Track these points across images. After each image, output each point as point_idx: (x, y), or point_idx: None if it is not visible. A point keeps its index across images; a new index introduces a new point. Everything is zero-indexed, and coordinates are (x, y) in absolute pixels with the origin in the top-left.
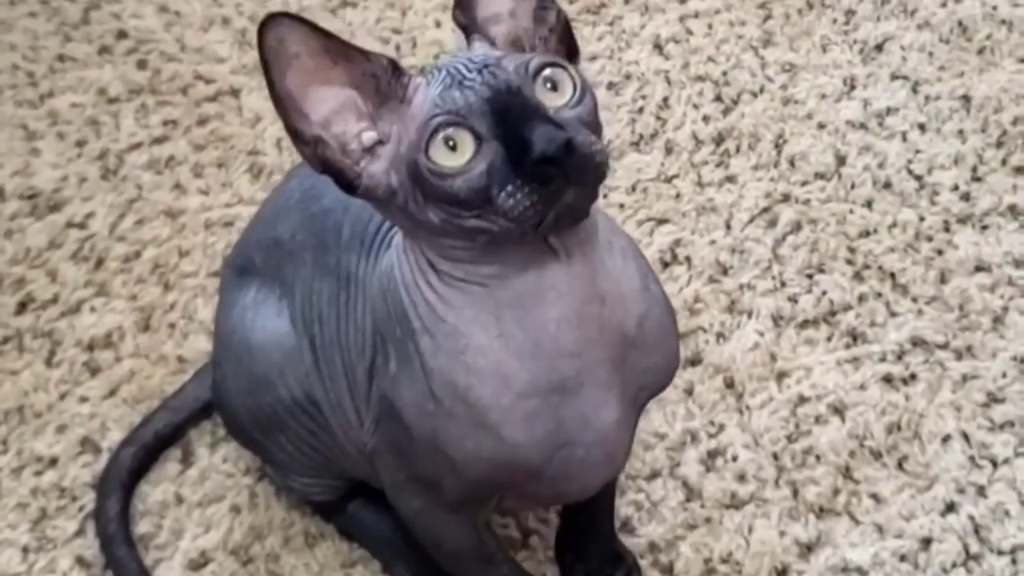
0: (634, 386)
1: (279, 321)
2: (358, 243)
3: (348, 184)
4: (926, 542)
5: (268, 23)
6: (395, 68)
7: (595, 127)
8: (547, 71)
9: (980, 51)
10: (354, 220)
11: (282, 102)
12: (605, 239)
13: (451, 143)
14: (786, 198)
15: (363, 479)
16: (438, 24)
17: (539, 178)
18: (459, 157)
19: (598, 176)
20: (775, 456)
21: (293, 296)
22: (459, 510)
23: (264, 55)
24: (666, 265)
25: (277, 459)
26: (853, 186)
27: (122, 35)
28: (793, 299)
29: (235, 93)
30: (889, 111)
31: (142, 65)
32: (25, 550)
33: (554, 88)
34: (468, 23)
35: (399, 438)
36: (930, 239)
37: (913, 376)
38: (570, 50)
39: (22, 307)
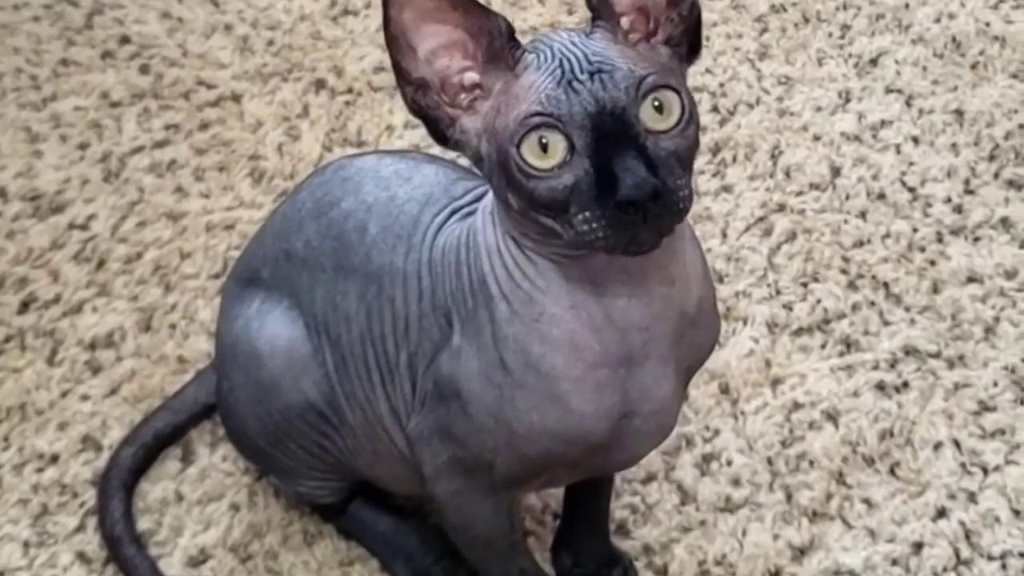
0: (686, 361)
1: (290, 328)
2: (392, 237)
3: (441, 134)
4: (917, 547)
5: None
6: (511, 34)
7: (689, 160)
8: (658, 92)
9: (973, 66)
10: (381, 216)
11: (394, 37)
12: (679, 227)
13: (544, 143)
14: (781, 208)
15: (370, 479)
16: None
17: (619, 213)
18: (549, 160)
19: (677, 219)
20: (769, 461)
21: (311, 303)
22: (500, 492)
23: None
24: None
25: (284, 466)
26: (847, 197)
27: (125, 40)
28: (788, 307)
29: (236, 98)
30: (883, 124)
31: (145, 70)
32: (26, 545)
33: (660, 111)
34: (599, 6)
35: (451, 417)
36: (923, 250)
37: (906, 384)
38: (693, 44)
39: (24, 306)
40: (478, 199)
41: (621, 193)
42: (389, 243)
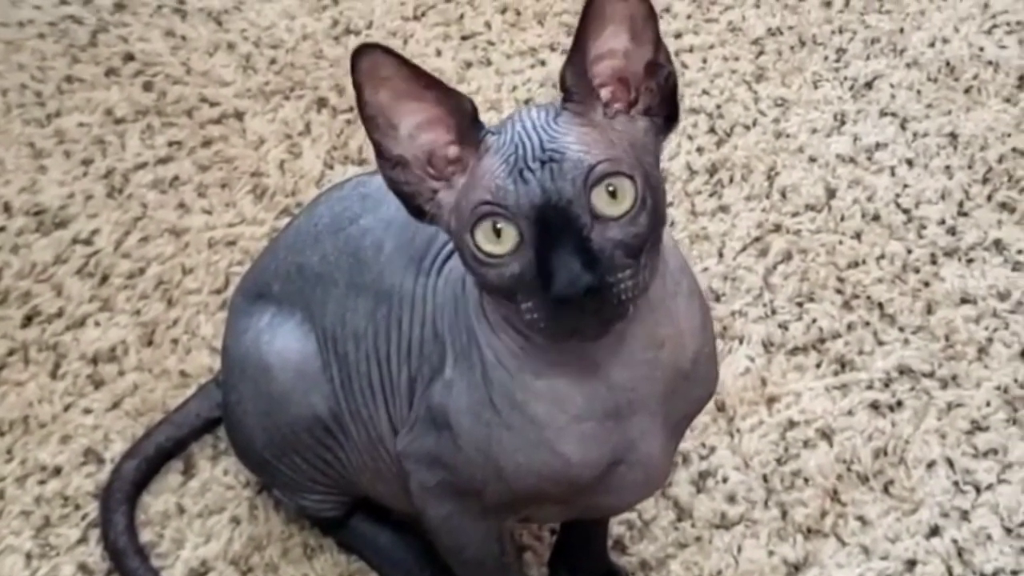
0: (680, 414)
1: (303, 342)
2: (405, 258)
3: (418, 208)
4: (911, 564)
5: (361, 51)
6: (475, 115)
7: (639, 248)
8: (610, 180)
9: (967, 90)
10: (397, 236)
11: (371, 117)
12: (673, 283)
13: (498, 229)
14: (777, 228)
15: (372, 495)
16: (438, 53)
17: (557, 306)
18: (500, 246)
19: (618, 312)
20: (765, 478)
21: (322, 318)
22: (490, 517)
23: (357, 77)
24: None
25: (288, 479)
26: (843, 218)
27: (129, 58)
28: (783, 326)
29: (239, 116)
30: (878, 146)
31: (148, 87)
32: (29, 557)
33: (613, 196)
34: (573, 85)
35: (442, 445)
36: (917, 271)
37: (899, 403)
38: (670, 114)
39: (28, 320)
40: None
41: (554, 290)
42: (402, 263)
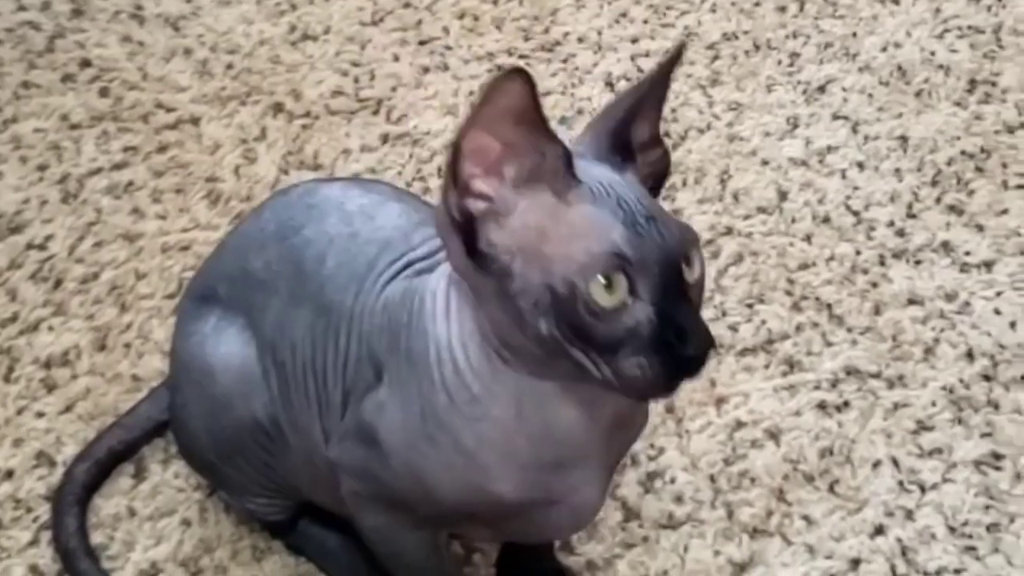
0: (617, 456)
1: (243, 348)
2: (346, 275)
3: (473, 245)
4: (855, 563)
5: (513, 75)
6: (568, 162)
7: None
8: (694, 248)
9: (918, 94)
10: (340, 252)
11: (463, 144)
12: None
13: (611, 282)
14: (729, 231)
15: (313, 500)
16: (396, 58)
17: (677, 365)
18: (611, 299)
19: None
20: (712, 478)
21: (262, 324)
22: (422, 528)
23: (490, 96)
24: None
25: (234, 481)
26: (794, 220)
27: (86, 64)
28: (733, 328)
29: (195, 121)
30: (830, 149)
31: (104, 93)
32: None
33: (689, 264)
34: (626, 145)
35: (371, 459)
36: (866, 272)
37: (846, 403)
38: (653, 192)
39: None
40: (432, 252)
41: (690, 349)
42: (343, 281)
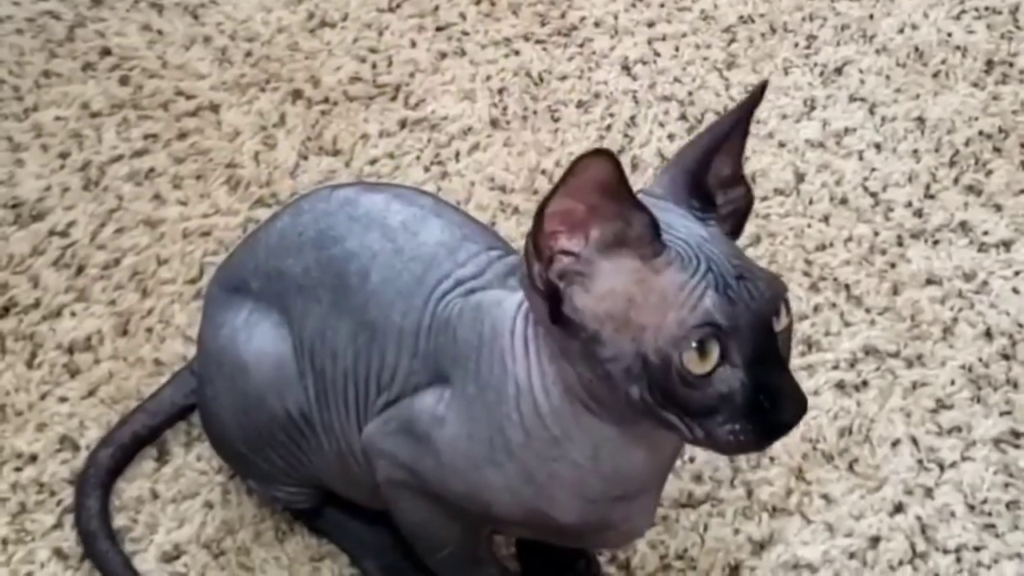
0: (665, 480)
1: (277, 344)
2: (392, 291)
3: (558, 312)
4: (875, 541)
5: (601, 154)
6: (655, 228)
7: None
8: (783, 304)
9: (935, 75)
10: (384, 268)
11: (549, 216)
12: None
13: (705, 350)
14: None
15: (348, 497)
16: (413, 44)
17: (771, 429)
18: (703, 365)
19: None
20: (731, 458)
21: (301, 328)
22: (463, 520)
23: (575, 169)
24: None
25: (262, 471)
26: (811, 202)
27: (106, 52)
28: None
29: (215, 108)
30: (847, 131)
31: (124, 81)
32: (4, 542)
33: (777, 316)
34: (706, 193)
35: (424, 466)
36: (884, 253)
37: (865, 383)
38: (735, 231)
39: (5, 311)
40: (481, 270)
41: (784, 416)
42: (389, 298)
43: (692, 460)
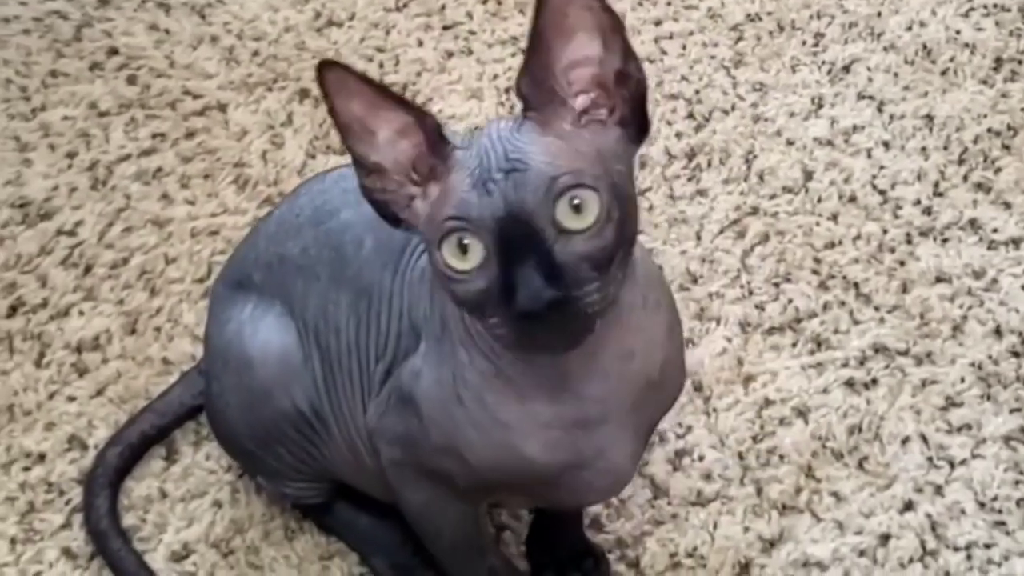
0: (648, 420)
1: (283, 335)
2: (385, 255)
3: (394, 216)
4: (884, 538)
5: (325, 66)
6: (439, 132)
7: (605, 260)
8: (573, 193)
9: (943, 72)
10: (377, 233)
11: (346, 125)
12: (640, 296)
13: (464, 245)
14: (755, 211)
15: (353, 484)
16: (420, 43)
17: (521, 321)
18: (466, 262)
19: (585, 328)
20: (740, 456)
21: (304, 310)
22: (464, 501)
23: (326, 88)
24: None
25: (271, 468)
26: (820, 200)
27: (113, 52)
28: (760, 307)
29: (222, 108)
30: (855, 129)
31: (132, 80)
32: (13, 541)
33: (577, 210)
34: (530, 95)
35: (411, 430)
36: (893, 251)
37: (874, 381)
38: (641, 125)
39: (13, 310)
40: None
41: (517, 305)
42: (381, 260)
43: (702, 459)
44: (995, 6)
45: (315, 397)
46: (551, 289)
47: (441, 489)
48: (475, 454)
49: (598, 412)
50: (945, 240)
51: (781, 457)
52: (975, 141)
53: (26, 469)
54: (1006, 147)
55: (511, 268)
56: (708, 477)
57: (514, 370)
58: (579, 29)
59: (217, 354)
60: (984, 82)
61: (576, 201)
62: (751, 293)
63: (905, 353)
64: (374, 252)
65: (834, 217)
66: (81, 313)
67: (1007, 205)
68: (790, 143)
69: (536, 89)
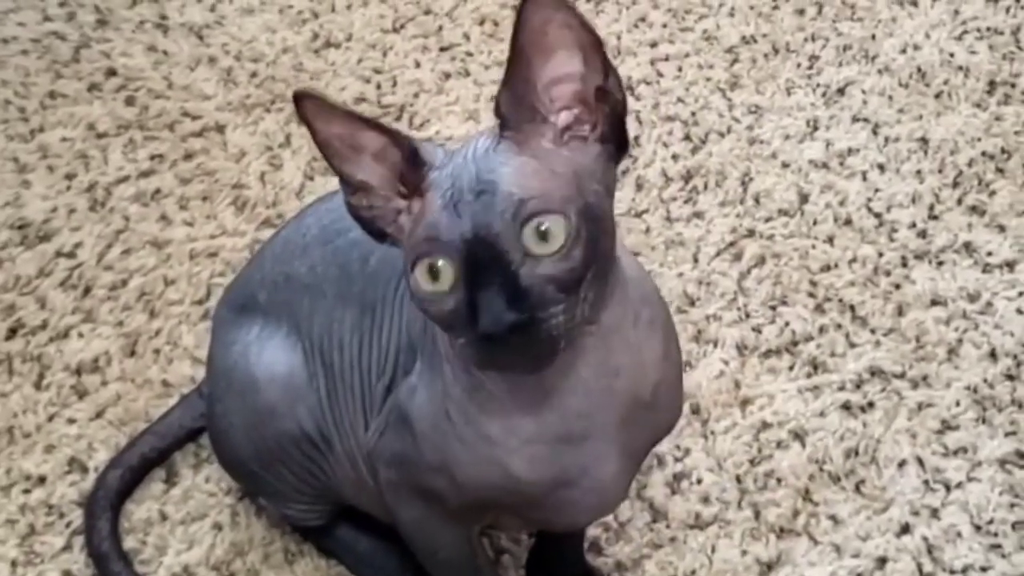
0: (640, 441)
1: (290, 355)
2: (388, 268)
3: (380, 231)
4: (881, 561)
5: (300, 95)
6: (415, 154)
7: (572, 282)
8: (539, 219)
9: (937, 95)
10: (383, 249)
11: (328, 144)
12: (632, 312)
13: (435, 268)
14: (751, 233)
15: (356, 504)
16: (417, 64)
17: (485, 343)
18: (439, 285)
19: (549, 350)
20: (738, 479)
21: (309, 328)
22: (457, 521)
23: (305, 115)
24: None
25: (274, 489)
26: (815, 222)
27: (111, 73)
28: (757, 330)
29: (220, 129)
30: (850, 151)
31: (130, 102)
32: (14, 564)
33: (544, 237)
34: (509, 113)
35: (406, 449)
36: (888, 274)
37: (871, 404)
38: (620, 142)
39: (12, 332)
40: None
41: (479, 327)
42: (386, 276)
43: (700, 482)
44: (988, 29)
45: (320, 416)
46: (513, 312)
47: (435, 509)
48: (463, 471)
49: (581, 428)
50: (940, 263)
51: (778, 480)
52: (969, 164)
53: (26, 491)
54: (1000, 170)
55: (476, 290)
56: (706, 500)
57: (495, 385)
58: (559, 47)
59: (221, 375)
60: (978, 105)
61: (543, 227)
62: (748, 316)
63: (901, 376)
64: (379, 267)
65: (830, 240)
66: (80, 335)
67: (1001, 228)
68: (785, 165)
69: (516, 107)
